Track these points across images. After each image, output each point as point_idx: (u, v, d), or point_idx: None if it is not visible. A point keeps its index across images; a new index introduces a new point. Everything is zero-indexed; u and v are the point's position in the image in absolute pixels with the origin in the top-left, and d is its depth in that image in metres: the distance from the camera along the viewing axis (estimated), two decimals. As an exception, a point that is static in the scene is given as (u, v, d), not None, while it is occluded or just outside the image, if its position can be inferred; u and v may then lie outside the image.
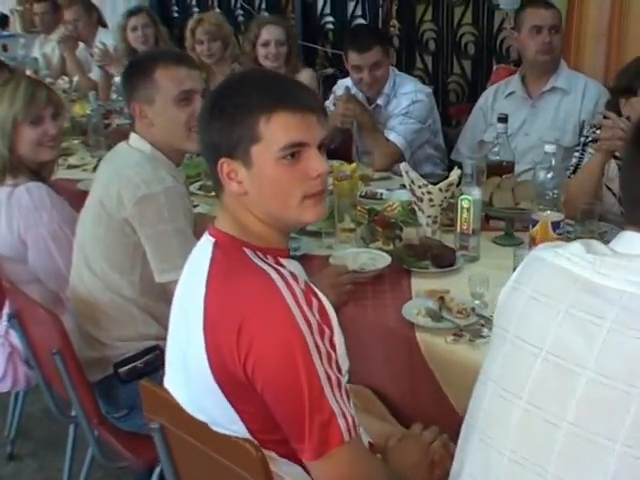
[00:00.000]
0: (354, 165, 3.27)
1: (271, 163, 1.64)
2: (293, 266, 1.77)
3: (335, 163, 3.44)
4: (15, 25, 7.95)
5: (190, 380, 1.71)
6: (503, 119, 3.15)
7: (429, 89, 4.25)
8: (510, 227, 2.98)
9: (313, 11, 6.31)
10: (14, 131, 2.83)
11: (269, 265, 1.65)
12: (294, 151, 1.64)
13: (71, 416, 2.81)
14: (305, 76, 4.55)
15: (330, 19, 6.24)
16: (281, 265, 1.69)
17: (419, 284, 2.65)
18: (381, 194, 3.43)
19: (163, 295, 2.46)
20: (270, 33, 4.51)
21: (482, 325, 2.36)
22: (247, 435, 1.64)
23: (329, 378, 1.54)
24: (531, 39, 3.78)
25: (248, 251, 1.69)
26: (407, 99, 4.04)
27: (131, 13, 5.17)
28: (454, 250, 2.80)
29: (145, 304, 2.51)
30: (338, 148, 4.22)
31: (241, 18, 6.83)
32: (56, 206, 2.82)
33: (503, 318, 1.56)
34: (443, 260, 2.75)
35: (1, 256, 2.85)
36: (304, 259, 2.73)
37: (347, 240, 3.00)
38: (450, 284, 2.63)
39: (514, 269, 1.66)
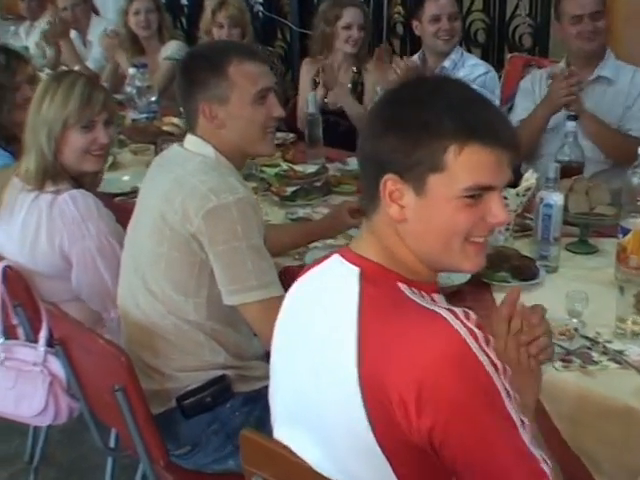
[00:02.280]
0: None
1: (447, 199, 1.39)
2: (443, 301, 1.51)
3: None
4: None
5: (329, 438, 1.44)
6: (573, 117, 2.88)
7: None
8: (585, 233, 2.72)
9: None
10: (62, 134, 2.49)
11: (436, 304, 1.41)
12: (477, 193, 1.39)
13: (112, 449, 2.54)
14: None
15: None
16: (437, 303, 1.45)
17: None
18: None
19: (232, 319, 2.20)
20: (352, 16, 4.18)
21: (589, 348, 2.11)
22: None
23: (523, 423, 1.34)
24: (572, 28, 3.50)
25: (403, 286, 1.43)
26: (479, 69, 3.85)
27: None
28: (534, 260, 2.52)
29: (211, 329, 2.19)
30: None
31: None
32: (103, 217, 2.50)
33: None
34: (524, 272, 2.48)
35: (39, 273, 2.51)
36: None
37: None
38: (535, 299, 2.34)
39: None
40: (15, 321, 2.50)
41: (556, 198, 2.50)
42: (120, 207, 3.20)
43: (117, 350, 1.99)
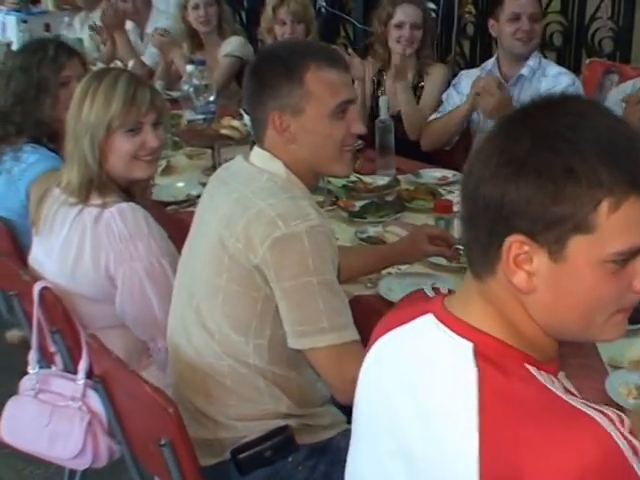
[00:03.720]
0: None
1: (590, 264, 1.07)
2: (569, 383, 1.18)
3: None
4: (46, 1, 7.14)
5: None
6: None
7: None
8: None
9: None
10: (106, 140, 2.16)
11: (581, 401, 1.06)
12: (627, 257, 1.07)
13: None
14: (438, 73, 3.88)
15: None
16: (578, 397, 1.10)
17: (609, 349, 1.99)
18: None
19: (295, 361, 1.87)
20: (406, 14, 3.77)
21: None
22: None
23: None
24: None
25: (532, 369, 1.10)
26: (564, 79, 3.43)
27: None
28: None
29: (273, 374, 1.87)
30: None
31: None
32: (154, 235, 2.16)
33: None
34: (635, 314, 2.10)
35: (80, 296, 2.19)
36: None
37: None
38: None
39: None
40: (53, 348, 2.19)
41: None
42: (172, 218, 2.90)
43: (165, 400, 1.66)
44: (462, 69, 5.16)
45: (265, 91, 1.89)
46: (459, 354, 1.11)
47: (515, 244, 1.06)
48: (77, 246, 2.15)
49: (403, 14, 3.77)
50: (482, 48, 5.19)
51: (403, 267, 2.42)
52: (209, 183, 2.08)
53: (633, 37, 4.51)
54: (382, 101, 3.32)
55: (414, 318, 1.23)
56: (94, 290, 2.18)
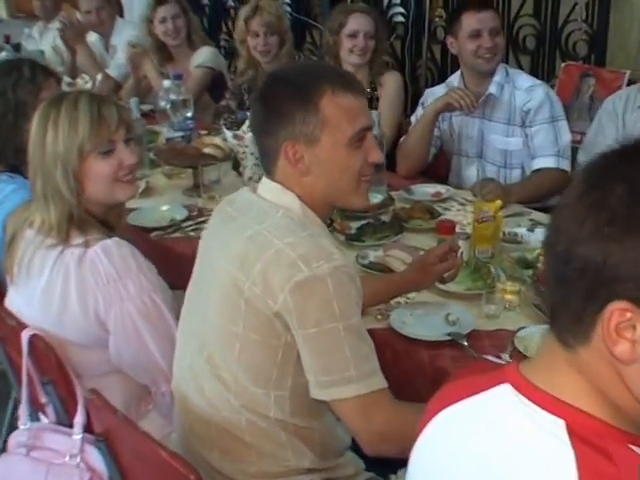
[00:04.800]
0: (498, 203, 2.47)
1: None
2: None
3: (474, 199, 2.68)
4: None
5: None
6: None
7: None
8: None
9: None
10: (80, 167, 1.96)
11: None
12: None
13: None
14: (392, 82, 3.72)
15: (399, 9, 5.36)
16: None
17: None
18: (521, 236, 2.61)
19: (316, 411, 1.72)
20: (359, 23, 3.61)
21: None
22: None
23: None
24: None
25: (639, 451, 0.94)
26: (537, 92, 3.20)
27: (158, 2, 4.23)
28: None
29: (295, 426, 1.70)
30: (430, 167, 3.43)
31: (231, 3, 5.91)
32: (143, 270, 1.97)
33: None
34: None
35: (70, 342, 1.98)
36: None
37: (510, 307, 2.22)
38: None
39: None
40: (44, 399, 1.99)
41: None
42: (158, 246, 2.72)
43: (185, 467, 1.48)
44: (433, 74, 5.07)
45: (276, 119, 1.72)
46: (548, 433, 0.96)
47: (617, 312, 0.91)
48: (61, 291, 1.94)
49: (356, 23, 3.63)
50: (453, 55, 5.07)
51: (411, 295, 2.27)
52: (212, 218, 1.90)
53: (608, 40, 4.41)
54: (374, 115, 3.16)
55: (485, 389, 1.07)
56: (84, 336, 1.98)
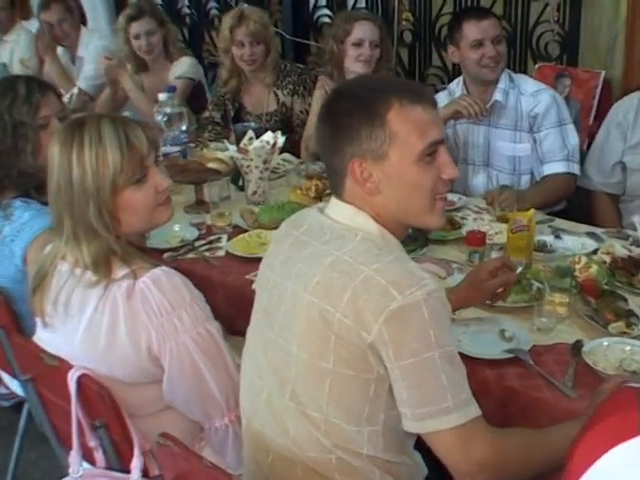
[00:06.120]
0: (532, 212, 2.40)
1: None
2: None
3: (507, 210, 2.61)
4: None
5: None
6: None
7: None
8: None
9: (304, 3, 5.34)
10: (113, 201, 1.77)
11: None
12: None
13: None
14: None
15: (326, 12, 5.29)
16: None
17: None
18: (550, 244, 2.55)
19: (404, 443, 1.62)
20: (364, 31, 3.51)
21: None
22: None
23: None
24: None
25: None
26: (543, 96, 3.15)
27: (131, 19, 4.03)
28: None
29: (387, 463, 1.59)
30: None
31: (215, 11, 5.77)
32: (196, 299, 1.83)
33: None
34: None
35: (117, 381, 1.81)
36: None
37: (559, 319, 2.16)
38: None
39: None
40: (92, 443, 1.84)
41: None
42: (179, 269, 2.55)
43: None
44: (443, 82, 4.97)
45: (341, 135, 1.61)
46: None
47: None
48: (109, 327, 1.78)
49: (362, 31, 3.54)
50: (420, 56, 5.02)
51: (457, 312, 2.18)
52: (276, 242, 1.77)
53: (580, 40, 4.40)
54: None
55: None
56: (135, 374, 1.83)
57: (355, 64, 3.54)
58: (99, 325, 1.79)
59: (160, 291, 1.77)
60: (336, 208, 1.66)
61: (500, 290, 2.09)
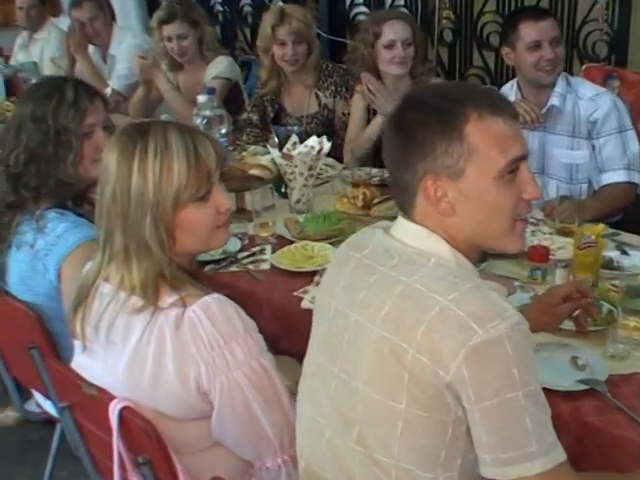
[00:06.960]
0: (601, 227, 2.23)
1: None
2: None
3: (566, 222, 2.44)
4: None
5: None
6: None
7: None
8: None
9: (340, 0, 5.19)
10: (173, 218, 1.63)
11: None
12: None
13: None
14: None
15: (363, 9, 5.13)
16: None
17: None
18: (617, 261, 2.37)
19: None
20: (395, 31, 3.34)
21: None
22: None
23: None
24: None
25: None
26: (603, 100, 2.96)
27: (163, 21, 3.87)
28: None
29: (460, 508, 1.43)
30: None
31: (248, 8, 5.63)
32: (249, 330, 1.66)
33: None
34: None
35: (162, 416, 1.66)
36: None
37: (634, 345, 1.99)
38: None
39: None
40: (135, 479, 1.69)
41: None
42: (213, 281, 2.41)
43: None
44: (485, 83, 4.81)
45: (414, 149, 1.45)
46: None
47: None
48: (155, 359, 1.62)
49: (392, 32, 3.36)
50: (461, 55, 4.85)
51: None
52: (335, 266, 1.61)
53: (629, 40, 4.22)
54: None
55: None
56: (182, 409, 1.67)
57: (390, 66, 3.38)
58: (144, 356, 1.63)
59: (211, 321, 1.61)
60: (404, 229, 1.51)
61: (576, 313, 1.94)
